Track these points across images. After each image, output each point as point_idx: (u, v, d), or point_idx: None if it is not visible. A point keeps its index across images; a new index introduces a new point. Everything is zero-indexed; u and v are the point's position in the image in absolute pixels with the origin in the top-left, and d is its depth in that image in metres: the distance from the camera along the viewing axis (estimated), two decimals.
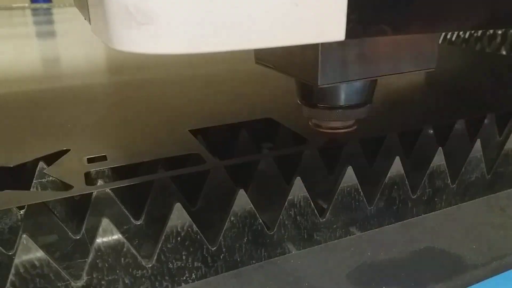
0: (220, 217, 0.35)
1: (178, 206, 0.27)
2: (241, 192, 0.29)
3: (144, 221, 0.32)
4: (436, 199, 0.36)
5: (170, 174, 0.31)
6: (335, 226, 0.32)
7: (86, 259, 0.26)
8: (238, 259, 0.30)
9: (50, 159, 0.34)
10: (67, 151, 0.35)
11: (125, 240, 0.26)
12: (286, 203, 0.30)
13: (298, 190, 0.30)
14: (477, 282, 0.24)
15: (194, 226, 0.28)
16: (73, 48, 0.96)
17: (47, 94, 0.53)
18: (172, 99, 0.50)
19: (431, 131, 0.40)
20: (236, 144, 0.40)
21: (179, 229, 0.27)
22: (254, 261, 0.30)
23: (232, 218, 0.29)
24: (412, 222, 0.30)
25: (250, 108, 0.45)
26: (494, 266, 0.25)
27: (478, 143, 0.36)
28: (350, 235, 0.33)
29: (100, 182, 0.31)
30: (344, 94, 0.34)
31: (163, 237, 0.27)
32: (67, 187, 0.30)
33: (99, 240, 0.26)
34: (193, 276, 0.29)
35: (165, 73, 0.64)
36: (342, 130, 0.37)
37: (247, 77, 0.61)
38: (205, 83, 0.57)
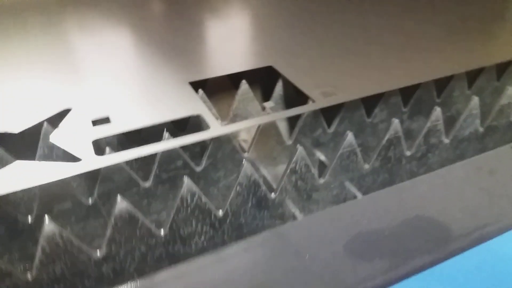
0: (224, 174, 0.36)
1: (188, 183, 0.28)
2: (247, 164, 0.30)
3: (152, 183, 0.34)
4: (429, 155, 0.37)
5: (175, 144, 0.31)
6: (332, 186, 0.34)
7: (104, 231, 0.28)
8: (243, 222, 0.32)
9: (54, 119, 0.34)
10: (68, 110, 0.35)
11: (140, 215, 0.28)
12: (288, 171, 0.32)
13: (300, 159, 0.32)
14: (459, 254, 0.27)
15: (203, 197, 0.29)
16: None
17: None
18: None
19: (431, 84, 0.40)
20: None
21: (189, 201, 0.29)
22: (257, 223, 0.32)
23: (238, 188, 0.30)
24: (404, 187, 0.32)
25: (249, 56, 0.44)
26: (476, 236, 0.28)
27: (476, 100, 0.37)
28: (346, 193, 0.35)
29: (107, 149, 0.32)
30: None
31: (174, 209, 0.29)
32: None
33: (115, 216, 0.27)
34: (202, 238, 0.31)
35: None
36: None
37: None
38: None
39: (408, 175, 0.37)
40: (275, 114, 0.34)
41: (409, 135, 0.43)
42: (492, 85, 0.45)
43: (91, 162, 0.29)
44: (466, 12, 0.53)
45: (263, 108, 0.38)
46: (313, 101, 0.35)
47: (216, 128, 0.33)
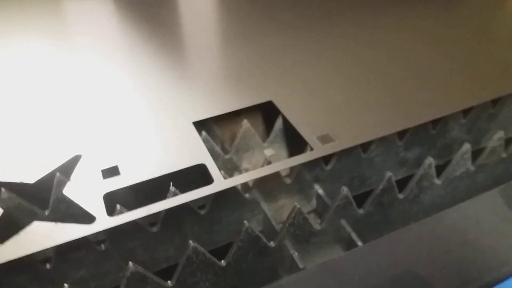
0: (226, 213, 0.39)
1: (193, 245, 0.31)
2: (248, 225, 0.32)
3: (160, 228, 0.36)
4: (421, 195, 0.39)
5: (183, 199, 0.33)
6: (329, 230, 0.37)
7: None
8: (244, 267, 0.35)
9: (65, 168, 0.36)
10: (78, 156, 0.37)
11: (150, 274, 0.30)
12: (287, 225, 0.34)
13: (298, 213, 0.34)
14: None
15: (207, 253, 0.32)
16: None
17: None
18: None
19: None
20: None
21: (194, 259, 0.32)
22: (257, 267, 0.35)
23: (239, 244, 0.33)
24: (395, 238, 0.34)
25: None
26: None
27: (467, 146, 0.38)
28: (341, 233, 0.37)
29: (118, 207, 0.34)
30: None
31: (181, 267, 0.31)
32: None
33: (128, 278, 0.30)
34: (207, 283, 0.34)
35: None
36: None
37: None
38: None
39: (400, 213, 0.39)
40: (275, 165, 0.36)
41: (404, 163, 0.45)
42: (487, 113, 0.46)
43: (104, 222, 0.32)
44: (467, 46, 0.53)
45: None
46: (312, 149, 0.37)
47: (219, 182, 0.35)
